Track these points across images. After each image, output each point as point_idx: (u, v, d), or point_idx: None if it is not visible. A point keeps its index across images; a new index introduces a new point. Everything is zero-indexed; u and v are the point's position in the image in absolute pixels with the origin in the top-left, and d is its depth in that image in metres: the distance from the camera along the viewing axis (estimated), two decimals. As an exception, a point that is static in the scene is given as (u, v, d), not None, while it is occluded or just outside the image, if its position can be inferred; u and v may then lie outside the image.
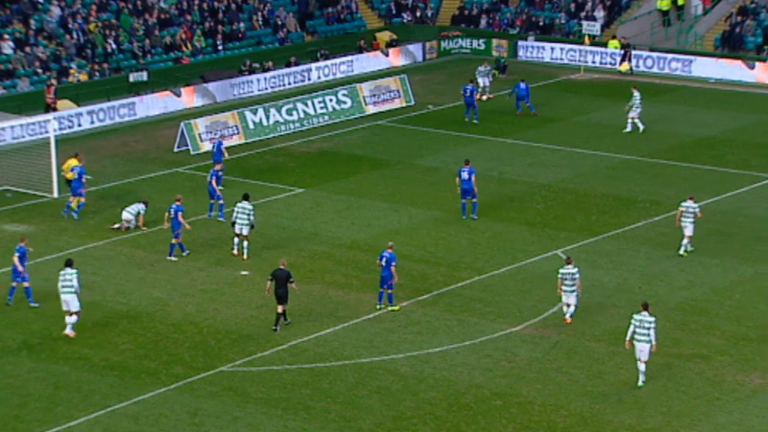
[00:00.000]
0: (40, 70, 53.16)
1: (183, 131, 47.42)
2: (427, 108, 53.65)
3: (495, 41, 63.24)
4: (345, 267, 35.03)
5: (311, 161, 46.22)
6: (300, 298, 31.77)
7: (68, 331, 30.26)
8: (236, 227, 35.56)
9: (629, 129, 48.52)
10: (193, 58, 57.81)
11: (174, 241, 35.62)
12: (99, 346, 30.05)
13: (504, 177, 43.68)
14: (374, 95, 53.10)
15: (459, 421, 26.32)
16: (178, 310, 32.22)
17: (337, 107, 52.04)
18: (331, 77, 58.52)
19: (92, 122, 50.74)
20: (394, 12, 66.24)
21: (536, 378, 28.20)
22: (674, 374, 28.26)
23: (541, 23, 64.09)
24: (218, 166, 39.87)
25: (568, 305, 30.98)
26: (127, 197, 40.26)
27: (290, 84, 57.12)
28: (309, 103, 51.40)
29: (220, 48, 58.95)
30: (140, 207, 38.09)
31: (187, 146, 47.31)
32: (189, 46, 58.11)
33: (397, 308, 32.00)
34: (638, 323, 27.65)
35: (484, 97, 53.43)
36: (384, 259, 31.51)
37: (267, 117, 49.93)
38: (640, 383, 27.65)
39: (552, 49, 61.78)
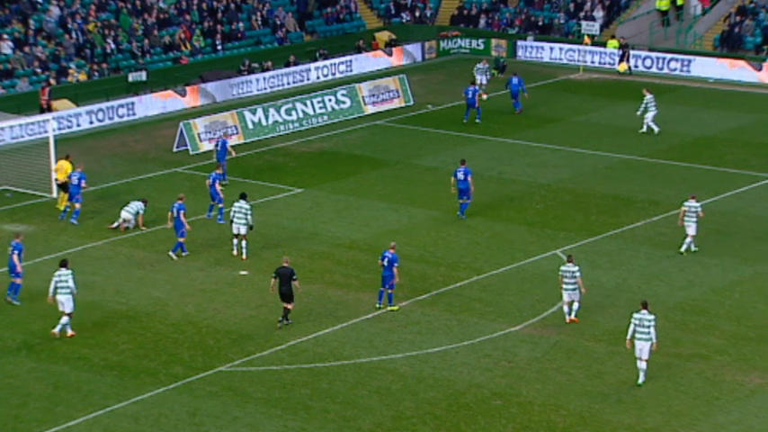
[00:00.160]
0: (39, 70, 53.14)
1: (182, 131, 47.41)
2: (426, 108, 53.66)
3: (494, 41, 63.25)
4: (345, 267, 35.03)
5: (310, 161, 46.22)
6: (300, 298, 31.75)
7: (56, 329, 30.11)
8: (234, 226, 35.58)
9: (644, 129, 48.33)
10: (192, 57, 57.80)
11: (179, 240, 35.64)
12: (98, 345, 30.05)
13: (503, 177, 43.69)
14: (373, 95, 53.10)
15: (458, 421, 26.32)
16: (177, 310, 32.22)
17: (336, 107, 52.04)
18: (330, 77, 58.52)
19: (91, 122, 50.73)
20: (393, 12, 66.24)
21: (536, 378, 28.21)
22: (673, 374, 28.27)
23: (540, 23, 64.10)
24: (218, 170, 39.76)
25: (569, 303, 30.98)
26: (126, 197, 40.23)
27: (289, 84, 57.11)
28: (308, 102, 51.40)
29: (219, 48, 58.95)
30: (139, 206, 38.06)
31: (186, 146, 47.31)
32: (188, 46, 58.10)
33: (396, 308, 32.00)
34: (637, 322, 27.68)
35: (484, 96, 53.43)
36: (386, 259, 31.52)
37: (266, 117, 49.93)
38: (640, 382, 27.67)
39: (551, 49, 61.79)
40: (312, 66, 58.40)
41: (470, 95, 50.64)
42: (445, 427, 26.12)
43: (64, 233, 38.13)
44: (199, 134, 47.70)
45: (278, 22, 61.73)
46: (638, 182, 42.93)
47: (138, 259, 35.80)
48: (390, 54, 61.65)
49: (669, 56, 59.17)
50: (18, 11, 55.23)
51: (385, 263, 31.53)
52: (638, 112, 48.78)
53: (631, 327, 27.79)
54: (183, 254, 35.87)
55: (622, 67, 59.37)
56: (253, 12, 61.62)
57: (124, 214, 38.02)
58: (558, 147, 47.32)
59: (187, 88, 53.99)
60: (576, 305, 31.06)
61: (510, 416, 26.51)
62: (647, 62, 59.56)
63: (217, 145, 43.50)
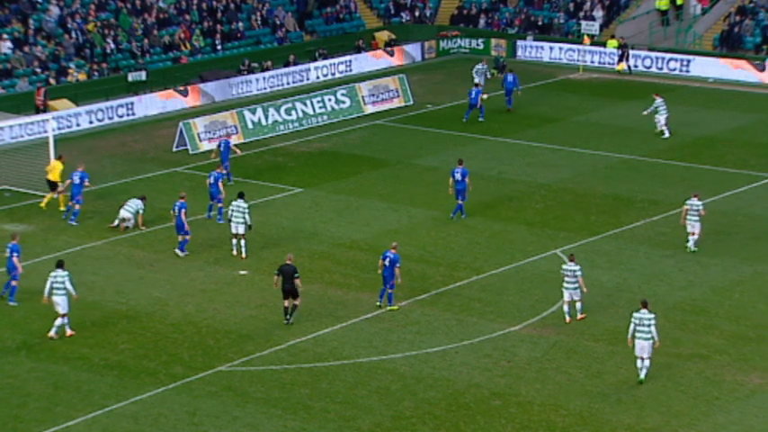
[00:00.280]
0: (38, 70, 53.14)
1: (181, 131, 47.41)
2: (426, 108, 53.65)
3: (493, 41, 63.25)
4: (344, 267, 35.02)
5: (310, 161, 46.22)
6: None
7: (52, 332, 30.11)
8: (232, 226, 35.60)
9: (665, 132, 48.16)
10: (192, 57, 57.79)
11: (186, 237, 35.66)
12: (98, 345, 30.04)
13: (503, 177, 43.68)
14: (373, 95, 53.10)
15: (458, 421, 26.31)
16: (177, 309, 32.21)
17: (336, 107, 52.03)
18: (330, 77, 58.51)
19: (90, 122, 50.73)
20: (393, 11, 66.23)
21: (535, 378, 28.20)
22: (673, 374, 28.26)
23: (540, 23, 64.09)
24: (219, 169, 39.71)
25: (570, 303, 30.99)
26: (125, 197, 40.17)
27: (288, 83, 57.11)
28: (308, 102, 51.40)
29: (219, 47, 58.94)
30: (139, 204, 38.02)
31: (186, 146, 47.30)
32: (188, 45, 58.09)
33: (395, 308, 32.00)
34: (637, 321, 27.69)
35: (484, 96, 53.43)
36: (388, 259, 31.52)
37: (266, 117, 49.93)
38: (642, 377, 27.64)
39: (551, 48, 61.79)
40: (312, 65, 58.39)
41: (473, 95, 50.67)
42: (444, 426, 26.12)
43: (63, 233, 38.11)
44: (198, 134, 47.69)
45: (277, 22, 61.72)
46: (638, 182, 42.93)
47: (138, 259, 35.79)
48: (391, 54, 61.61)
49: (669, 56, 59.17)
50: (18, 10, 55.23)
51: (386, 263, 31.54)
52: (645, 112, 48.63)
53: (631, 326, 27.80)
54: (184, 253, 35.85)
55: (621, 66, 59.36)
56: (252, 11, 61.61)
57: (124, 213, 37.99)
58: (558, 146, 47.32)
59: (188, 88, 53.95)
60: (578, 304, 31.08)
61: (509, 416, 26.51)
62: (647, 62, 59.56)
63: (219, 145, 43.49)
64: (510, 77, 52.40)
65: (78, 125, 50.22)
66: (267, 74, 56.74)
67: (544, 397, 27.29)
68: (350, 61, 59.75)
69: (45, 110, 49.71)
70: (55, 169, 40.10)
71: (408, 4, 66.62)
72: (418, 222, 38.83)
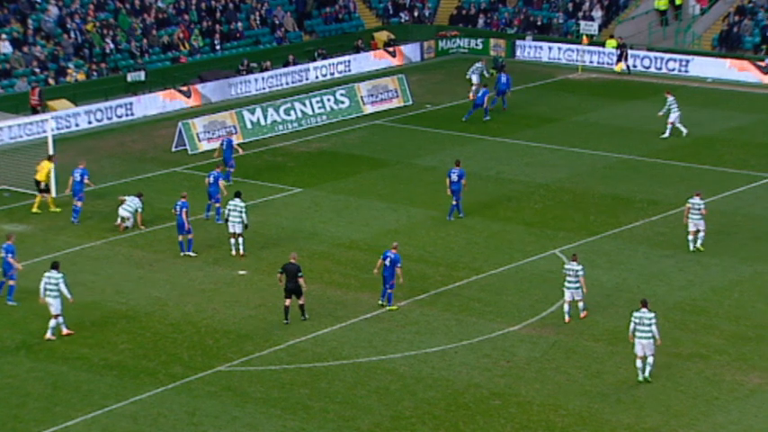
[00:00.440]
0: (37, 70, 53.13)
1: (180, 131, 47.40)
2: (425, 108, 53.65)
3: (492, 41, 63.24)
4: (344, 267, 35.02)
5: (309, 161, 46.21)
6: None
7: (48, 334, 30.08)
8: (230, 225, 35.63)
9: (667, 134, 48.10)
10: (191, 57, 57.78)
11: (190, 237, 35.65)
12: (97, 345, 30.03)
13: (501, 177, 43.68)
14: (372, 95, 53.09)
15: (457, 421, 26.31)
16: (176, 309, 32.21)
17: (335, 107, 52.02)
18: (329, 77, 58.51)
19: (89, 122, 50.72)
20: (392, 11, 66.23)
21: (534, 377, 28.20)
22: (672, 374, 28.26)
23: (539, 23, 64.09)
24: (219, 169, 39.67)
25: (570, 303, 31.00)
26: (122, 195, 40.13)
27: (287, 83, 57.10)
28: (307, 102, 51.39)
29: (218, 47, 58.93)
30: (137, 203, 37.98)
31: (185, 145, 47.29)
32: (186, 45, 58.08)
33: (395, 308, 31.99)
34: (637, 320, 27.70)
35: (471, 95, 53.57)
36: (388, 259, 31.52)
37: (265, 117, 49.91)
38: (647, 375, 27.67)
39: (550, 48, 61.78)
40: (311, 65, 58.39)
41: (480, 95, 50.72)
42: (444, 426, 26.11)
43: (62, 233, 38.10)
44: (198, 134, 47.68)
45: (276, 22, 61.71)
46: (637, 182, 42.93)
47: (137, 259, 35.78)
48: (393, 54, 61.57)
49: (668, 56, 59.18)
50: (17, 10, 55.21)
51: (387, 263, 31.53)
52: (660, 113, 48.49)
53: (631, 325, 27.82)
54: (182, 253, 35.86)
55: (619, 66, 59.37)
56: (251, 11, 61.60)
57: (123, 213, 37.97)
58: (557, 146, 47.32)
59: (190, 88, 53.90)
60: (580, 304, 31.10)
61: (509, 415, 26.50)
62: (646, 62, 59.56)
63: (222, 144, 43.52)
64: (503, 78, 52.44)
65: (77, 125, 50.21)
66: (266, 74, 56.73)
67: (543, 397, 27.28)
68: (349, 61, 59.74)
69: (44, 109, 49.66)
70: (44, 169, 40.05)
71: (407, 4, 66.62)
72: (417, 222, 38.83)
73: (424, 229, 38.20)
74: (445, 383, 27.95)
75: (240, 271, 34.77)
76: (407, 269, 33.86)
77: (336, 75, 58.80)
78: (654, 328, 27.58)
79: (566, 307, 31.11)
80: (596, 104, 53.92)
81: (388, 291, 31.88)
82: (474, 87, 54.10)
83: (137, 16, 57.85)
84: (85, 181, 38.85)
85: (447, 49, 63.91)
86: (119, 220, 37.95)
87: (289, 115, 50.64)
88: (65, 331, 30.30)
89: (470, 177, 40.40)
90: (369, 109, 52.71)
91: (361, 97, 52.77)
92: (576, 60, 60.63)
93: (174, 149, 47.24)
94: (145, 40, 56.85)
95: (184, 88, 53.72)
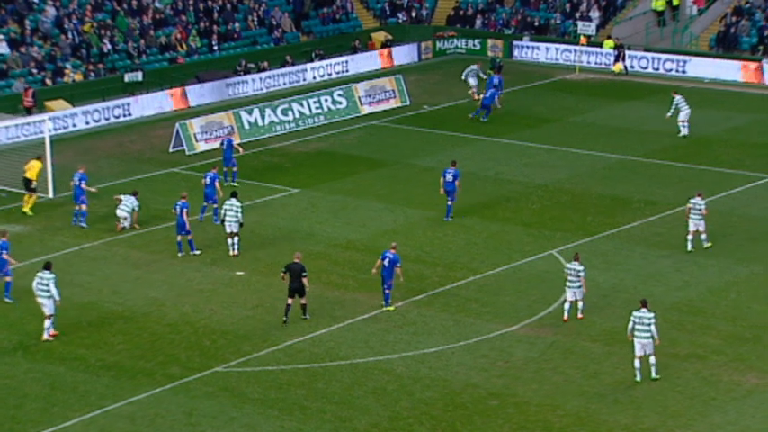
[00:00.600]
0: (35, 70, 53.11)
1: (178, 132, 47.40)
2: (423, 108, 53.66)
3: (490, 42, 63.26)
4: (341, 267, 35.02)
5: (307, 161, 46.22)
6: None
7: (46, 336, 30.09)
8: (226, 225, 35.65)
9: (684, 132, 48.06)
10: (188, 58, 57.77)
11: (190, 238, 35.64)
12: (95, 346, 30.03)
13: (500, 178, 43.70)
14: (369, 96, 53.10)
15: (454, 421, 26.32)
16: (174, 310, 32.20)
17: (333, 107, 52.02)
18: (326, 78, 58.52)
19: (87, 123, 50.71)
20: (389, 12, 66.24)
21: (532, 378, 28.21)
22: (669, 374, 28.28)
23: (537, 24, 64.11)
24: (215, 170, 39.62)
25: (571, 301, 31.04)
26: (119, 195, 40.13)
27: (285, 84, 57.10)
28: (305, 103, 51.39)
29: (215, 48, 58.93)
30: (133, 202, 37.95)
31: (182, 146, 47.28)
32: (184, 46, 58.07)
33: (392, 308, 32.00)
34: (637, 320, 27.73)
35: (476, 96, 53.57)
36: (387, 259, 31.53)
37: (262, 117, 49.91)
38: (653, 374, 27.71)
39: (547, 49, 61.81)
40: (308, 66, 58.39)
41: (488, 95, 50.78)
42: (441, 427, 26.12)
43: (60, 233, 38.10)
44: (195, 134, 47.67)
45: (274, 23, 61.71)
46: (635, 182, 42.96)
47: (135, 259, 35.78)
48: (388, 55, 61.57)
49: (665, 56, 59.22)
50: (14, 11, 55.19)
51: (386, 263, 31.55)
52: (669, 114, 48.40)
53: (630, 324, 27.85)
54: (180, 254, 35.86)
55: (617, 67, 59.41)
56: (249, 12, 61.60)
57: (120, 213, 37.96)
58: (555, 147, 47.34)
59: (180, 89, 53.93)
60: (580, 304, 31.12)
61: (506, 416, 26.51)
62: (643, 62, 59.60)
63: (222, 144, 43.53)
64: (495, 79, 52.50)
65: (75, 126, 50.19)
66: (264, 74, 56.73)
67: (541, 397, 27.30)
68: (346, 62, 59.75)
69: (38, 110, 49.61)
70: (33, 168, 40.04)
71: (405, 5, 66.64)
72: (415, 223, 38.84)
73: (422, 229, 38.22)
74: (443, 384, 27.96)
75: (238, 271, 34.77)
76: (405, 269, 33.81)
77: (334, 75, 58.81)
78: (653, 328, 27.61)
79: (566, 305, 31.14)
80: (594, 105, 53.94)
81: (386, 291, 31.88)
82: (474, 89, 54.08)
83: (134, 17, 57.83)
84: (83, 186, 38.78)
85: (444, 50, 63.93)
86: (120, 221, 37.90)
87: (286, 116, 50.64)
88: (52, 332, 30.22)
89: (469, 178, 40.44)
90: (366, 109, 52.72)
91: (359, 98, 52.78)
92: (574, 61, 60.66)
93: (171, 150, 47.23)
94: (142, 41, 56.84)
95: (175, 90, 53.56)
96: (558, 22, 63.76)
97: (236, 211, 35.57)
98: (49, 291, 29.95)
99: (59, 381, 28.18)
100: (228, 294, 33.25)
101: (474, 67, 54.91)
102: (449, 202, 38.66)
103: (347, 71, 59.34)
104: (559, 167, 44.80)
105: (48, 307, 30.06)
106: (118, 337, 30.54)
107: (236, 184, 41.82)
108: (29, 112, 49.45)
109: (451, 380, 28.14)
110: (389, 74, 56.38)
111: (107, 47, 55.60)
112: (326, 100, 52.00)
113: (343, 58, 59.89)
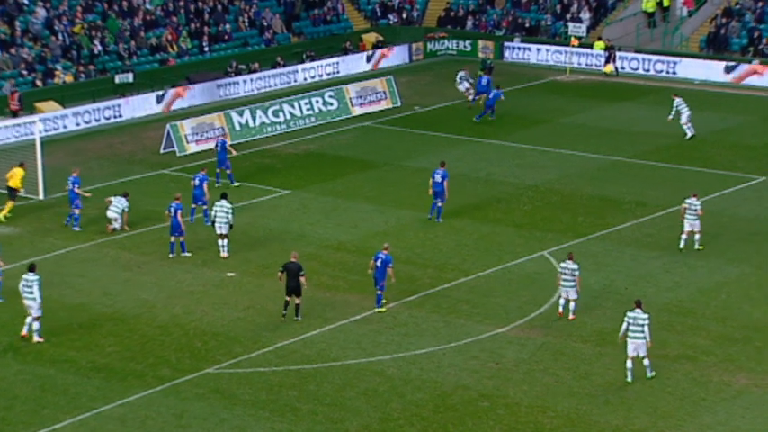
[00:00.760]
0: (25, 72, 53.01)
1: (169, 133, 47.35)
2: (414, 109, 53.68)
3: (481, 43, 63.32)
4: (332, 269, 35.02)
5: (298, 163, 46.20)
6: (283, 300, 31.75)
7: (36, 338, 30.05)
8: (216, 226, 35.63)
9: (690, 133, 48.08)
10: (179, 59, 57.72)
11: (181, 239, 35.62)
12: (85, 348, 29.98)
13: (491, 179, 43.73)
14: (360, 97, 53.11)
15: (446, 422, 26.33)
16: (164, 311, 32.16)
17: (324, 109, 52.02)
18: (317, 79, 58.51)
19: (77, 124, 50.64)
20: (380, 13, 66.25)
21: (523, 379, 28.24)
22: (660, 375, 28.33)
23: (527, 25, 64.18)
24: (204, 171, 39.55)
25: (567, 300, 31.07)
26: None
27: (276, 85, 57.08)
28: (296, 104, 51.38)
29: (206, 49, 58.88)
30: (123, 203, 37.89)
31: (173, 147, 47.24)
32: (175, 47, 58.02)
33: (383, 309, 32.00)
34: (631, 320, 27.76)
35: (470, 98, 53.61)
36: (379, 260, 31.54)
37: (253, 118, 49.89)
38: (648, 374, 27.74)
39: (538, 50, 61.89)
40: (299, 67, 58.38)
41: (491, 96, 50.88)
42: (432, 428, 26.13)
43: (50, 235, 38.03)
44: (186, 135, 47.63)
45: (265, 24, 61.69)
46: (625, 183, 43.02)
47: (125, 261, 35.73)
48: (379, 56, 61.57)
49: (655, 57, 59.34)
50: (4, 12, 55.08)
51: (378, 264, 31.55)
52: (670, 117, 48.35)
53: (624, 325, 27.87)
54: (171, 255, 35.82)
55: (608, 68, 59.51)
56: (240, 13, 61.57)
57: (110, 214, 37.89)
58: (546, 148, 47.39)
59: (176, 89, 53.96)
60: (572, 305, 31.15)
61: (497, 417, 26.53)
62: (634, 63, 59.70)
63: (216, 145, 43.53)
64: (484, 80, 52.57)
65: (65, 127, 50.12)
66: (254, 76, 56.71)
67: (532, 398, 27.32)
68: (337, 63, 59.75)
69: (30, 112, 49.49)
70: (15, 176, 39.88)
71: (396, 6, 66.66)
72: (406, 224, 38.84)
73: (413, 230, 38.23)
74: (434, 385, 27.97)
75: (229, 273, 34.75)
76: (396, 271, 33.78)
77: (325, 76, 58.81)
78: (647, 329, 27.65)
79: (561, 301, 31.18)
80: (585, 106, 54.02)
81: (378, 292, 31.89)
82: (467, 92, 54.06)
83: (125, 18, 57.76)
84: (76, 189, 38.68)
85: (435, 51, 63.97)
86: (111, 223, 37.83)
87: (277, 117, 50.62)
88: (24, 332, 30.10)
89: (460, 179, 40.43)
90: (357, 111, 52.72)
91: (350, 99, 52.78)
92: (565, 62, 60.73)
93: (162, 151, 47.18)
94: (133, 42, 56.77)
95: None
96: (549, 23, 63.83)
97: (227, 213, 35.56)
98: (33, 293, 29.82)
99: (50, 383, 28.13)
100: (219, 296, 33.22)
101: (462, 73, 54.92)
102: (439, 204, 38.65)
103: (338, 72, 59.34)
104: (550, 168, 44.85)
105: (34, 309, 29.99)
106: (108, 338, 30.50)
107: (237, 185, 41.90)
108: (15, 115, 49.33)
109: (442, 381, 28.15)
110: (380, 75, 56.37)
111: (98, 48, 55.53)
112: (317, 101, 51.99)
113: (334, 60, 59.89)
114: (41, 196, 41.26)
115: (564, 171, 44.53)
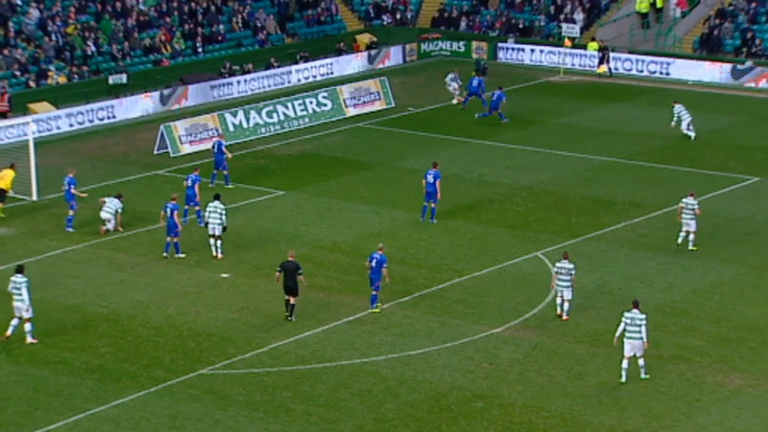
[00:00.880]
0: (18, 72, 52.93)
1: (162, 134, 47.32)
2: (407, 110, 53.69)
3: (474, 44, 63.34)
4: (326, 269, 35.01)
5: (291, 164, 46.19)
6: (282, 300, 31.71)
7: (30, 339, 29.99)
8: (209, 227, 35.61)
9: (693, 135, 48.07)
10: (173, 60, 57.68)
11: (176, 240, 35.59)
12: (79, 349, 29.94)
13: (484, 179, 43.76)
14: (354, 98, 53.11)
15: (440, 423, 26.34)
16: (159, 313, 32.14)
17: (318, 109, 52.01)
18: (311, 80, 58.50)
19: (71, 125, 50.58)
20: (374, 14, 66.26)
21: (517, 379, 28.26)
22: (654, 376, 28.36)
23: (521, 26, 64.23)
24: (196, 172, 39.49)
25: (563, 299, 31.11)
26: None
27: (270, 86, 57.06)
28: (289, 105, 51.36)
29: (200, 50, 58.85)
30: (117, 204, 37.85)
31: (167, 148, 47.21)
32: (168, 48, 57.97)
33: (378, 310, 32.01)
34: (628, 321, 27.79)
35: (454, 101, 53.66)
36: (374, 261, 31.54)
37: (247, 119, 49.86)
38: (643, 375, 27.79)
39: (532, 51, 61.93)
40: (293, 68, 58.37)
41: (495, 98, 50.94)
42: (427, 428, 26.14)
43: (44, 236, 37.98)
44: (180, 136, 47.60)
45: (258, 25, 61.67)
46: (619, 184, 43.06)
47: (119, 262, 35.69)
48: (372, 57, 61.59)
49: (649, 58, 59.42)
50: (-3, 13, 55.04)
51: (373, 264, 31.56)
52: (672, 124, 48.33)
53: (621, 325, 27.89)
54: (165, 255, 35.78)
55: (602, 69, 59.58)
56: (233, 14, 61.54)
57: (104, 215, 37.85)
58: (539, 149, 47.43)
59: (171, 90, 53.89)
60: (566, 306, 31.18)
61: (491, 417, 26.55)
62: (627, 64, 59.77)
63: (213, 146, 43.50)
64: (475, 82, 52.60)
65: (59, 128, 50.05)
66: (248, 76, 56.68)
67: (526, 399, 27.34)
68: (331, 64, 59.74)
69: (23, 113, 49.37)
70: (5, 177, 39.80)
71: (389, 7, 66.67)
72: (400, 225, 38.85)
73: (407, 231, 38.23)
74: (428, 386, 27.97)
75: (223, 274, 34.72)
76: (390, 271, 33.80)
77: (318, 77, 58.80)
78: (644, 329, 27.68)
79: (558, 300, 31.22)
80: (578, 107, 54.06)
81: (373, 292, 31.89)
82: (456, 92, 54.08)
83: (118, 19, 57.70)
84: (72, 190, 38.63)
85: (429, 52, 63.98)
86: (105, 224, 37.79)
87: (271, 118, 50.60)
88: (8, 333, 29.99)
89: (453, 180, 40.40)
90: (351, 111, 52.72)
91: (344, 100, 52.78)
92: (558, 63, 60.77)
93: (156, 152, 47.15)
94: (126, 43, 56.72)
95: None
96: (543, 24, 63.88)
97: (220, 214, 35.54)
98: (21, 295, 29.75)
99: (43, 384, 28.09)
100: (213, 297, 33.21)
101: (452, 74, 54.93)
102: (432, 204, 38.66)
103: (332, 73, 59.33)
104: (543, 169, 44.88)
105: (22, 310, 29.90)
106: (102, 340, 30.46)
107: (231, 187, 41.89)
108: (4, 116, 49.24)
109: (437, 382, 28.16)
110: (374, 76, 56.38)
111: (91, 49, 55.46)
112: (311, 102, 51.98)
113: (328, 60, 59.89)
114: (35, 197, 41.20)
115: (557, 172, 44.56)
